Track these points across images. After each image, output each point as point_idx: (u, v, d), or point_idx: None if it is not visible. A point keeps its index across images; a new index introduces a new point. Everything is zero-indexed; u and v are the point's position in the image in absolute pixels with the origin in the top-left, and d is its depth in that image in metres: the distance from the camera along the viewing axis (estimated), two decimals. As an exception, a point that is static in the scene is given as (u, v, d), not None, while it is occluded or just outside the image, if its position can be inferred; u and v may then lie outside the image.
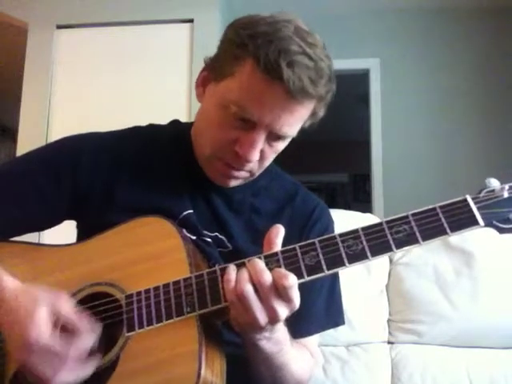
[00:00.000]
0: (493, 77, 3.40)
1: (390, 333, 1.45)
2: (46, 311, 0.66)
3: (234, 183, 0.86)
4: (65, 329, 0.67)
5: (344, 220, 1.44)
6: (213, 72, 0.84)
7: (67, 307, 0.68)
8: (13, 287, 0.71)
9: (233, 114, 0.78)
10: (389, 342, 1.45)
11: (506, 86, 3.38)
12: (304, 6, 3.06)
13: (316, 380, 1.36)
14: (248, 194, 0.93)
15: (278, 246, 0.69)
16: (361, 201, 5.77)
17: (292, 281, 0.65)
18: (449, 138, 3.40)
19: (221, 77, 0.81)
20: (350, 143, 5.49)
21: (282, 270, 0.66)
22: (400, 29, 3.54)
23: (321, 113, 0.84)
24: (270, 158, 0.86)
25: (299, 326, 0.88)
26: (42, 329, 0.64)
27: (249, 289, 0.65)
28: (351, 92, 4.49)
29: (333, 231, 0.97)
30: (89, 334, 0.68)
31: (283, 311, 0.66)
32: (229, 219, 0.89)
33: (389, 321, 1.45)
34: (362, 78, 3.65)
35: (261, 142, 0.79)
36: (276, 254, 0.69)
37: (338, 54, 3.62)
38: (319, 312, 0.90)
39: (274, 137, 0.80)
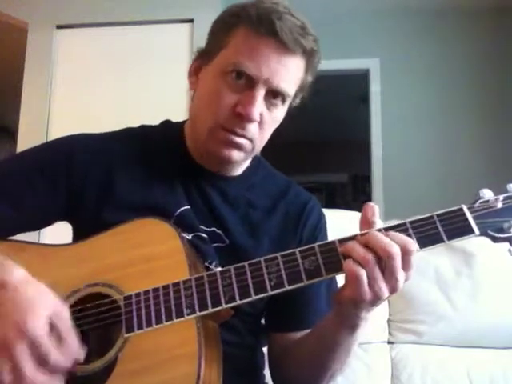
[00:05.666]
0: (492, 76, 3.41)
1: (390, 333, 1.45)
2: (49, 310, 0.65)
3: (236, 155, 0.86)
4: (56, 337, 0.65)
5: (344, 220, 1.45)
6: (205, 56, 0.87)
7: (68, 318, 0.67)
8: (22, 275, 0.69)
9: (231, 75, 0.81)
10: (389, 342, 1.45)
11: (505, 84, 3.38)
12: (304, 6, 3.05)
13: (316, 380, 1.36)
14: (243, 189, 0.93)
15: (376, 223, 0.69)
16: (361, 201, 5.77)
17: (416, 247, 0.65)
18: (448, 138, 3.40)
19: (214, 54, 0.84)
20: (350, 143, 5.49)
21: (404, 236, 0.66)
22: (400, 29, 3.54)
23: (310, 77, 0.87)
24: (270, 127, 0.87)
25: (305, 317, 0.90)
26: (40, 322, 0.63)
27: (372, 258, 0.65)
28: (351, 92, 4.50)
29: (325, 224, 0.99)
30: (76, 351, 0.66)
31: (403, 280, 0.66)
32: (225, 214, 0.90)
33: (389, 321, 1.46)
34: (362, 77, 3.65)
35: (260, 98, 0.81)
36: (276, 257, 0.69)
37: (338, 54, 3.65)
38: (322, 302, 0.91)
39: (271, 96, 0.82)
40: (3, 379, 0.62)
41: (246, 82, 0.80)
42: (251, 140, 0.85)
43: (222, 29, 0.84)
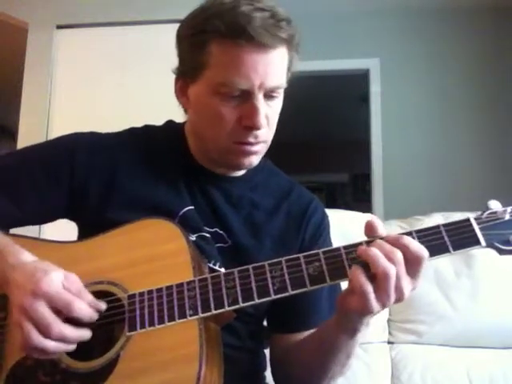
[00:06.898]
0: (492, 75, 3.41)
1: (390, 333, 1.45)
2: (60, 274, 0.69)
3: (256, 160, 0.88)
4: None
5: (344, 220, 1.45)
6: (186, 75, 0.86)
7: (78, 281, 0.71)
8: (31, 257, 0.75)
9: (225, 95, 0.80)
10: (389, 342, 1.45)
11: (505, 84, 3.38)
12: (304, 6, 3.06)
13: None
14: (246, 189, 0.94)
15: (382, 234, 0.69)
16: (361, 201, 5.77)
17: (427, 253, 0.65)
18: (448, 138, 3.40)
19: (196, 73, 0.83)
20: (350, 143, 5.49)
21: (416, 242, 0.66)
22: (400, 29, 3.54)
23: (296, 59, 0.86)
24: (275, 120, 0.87)
25: (307, 319, 0.90)
26: (53, 282, 0.68)
27: (392, 268, 0.64)
28: (351, 92, 4.50)
29: (328, 225, 0.99)
30: (96, 303, 0.71)
31: (410, 289, 0.66)
32: (228, 214, 0.90)
33: (389, 321, 1.46)
34: (362, 77, 3.65)
35: (261, 104, 0.80)
36: (280, 262, 0.69)
37: (338, 54, 3.64)
38: (324, 304, 0.91)
39: (268, 95, 0.82)
40: (33, 341, 0.65)
41: (242, 95, 0.80)
42: (265, 142, 0.86)
43: (194, 47, 0.82)
